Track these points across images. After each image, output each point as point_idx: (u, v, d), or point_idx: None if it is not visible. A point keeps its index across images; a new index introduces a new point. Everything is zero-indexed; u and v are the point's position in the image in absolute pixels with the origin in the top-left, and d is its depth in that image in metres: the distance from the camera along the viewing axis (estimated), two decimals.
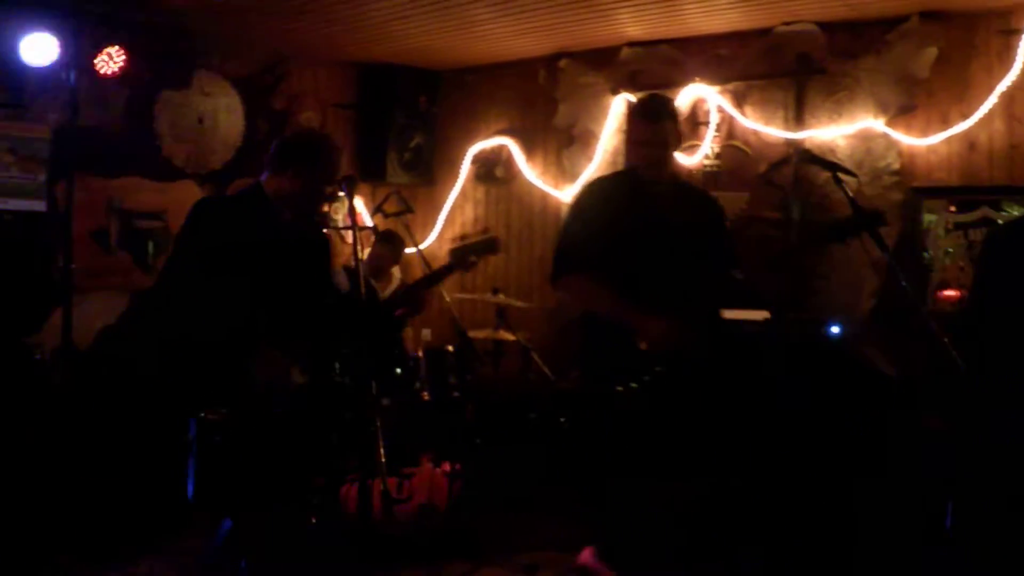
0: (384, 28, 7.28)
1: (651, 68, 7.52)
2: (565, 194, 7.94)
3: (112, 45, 6.42)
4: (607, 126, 7.72)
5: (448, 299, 6.88)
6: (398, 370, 6.33)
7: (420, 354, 6.53)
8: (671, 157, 4.58)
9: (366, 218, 8.46)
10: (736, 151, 7.11)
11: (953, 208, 6.27)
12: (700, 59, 7.31)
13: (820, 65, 6.74)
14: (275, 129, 7.98)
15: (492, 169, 8.60)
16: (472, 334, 6.63)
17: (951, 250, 6.25)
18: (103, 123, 7.09)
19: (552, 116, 8.16)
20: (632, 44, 7.57)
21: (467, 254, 4.99)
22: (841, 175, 4.18)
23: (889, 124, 6.48)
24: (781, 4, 6.42)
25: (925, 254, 6.33)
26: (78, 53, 6.31)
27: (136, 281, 7.25)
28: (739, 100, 7.11)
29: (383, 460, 4.04)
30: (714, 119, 7.19)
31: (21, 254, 6.66)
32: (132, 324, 7.06)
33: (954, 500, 4.54)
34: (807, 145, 6.72)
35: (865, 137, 6.58)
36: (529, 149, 8.37)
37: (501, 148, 8.54)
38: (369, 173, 8.51)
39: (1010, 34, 6.08)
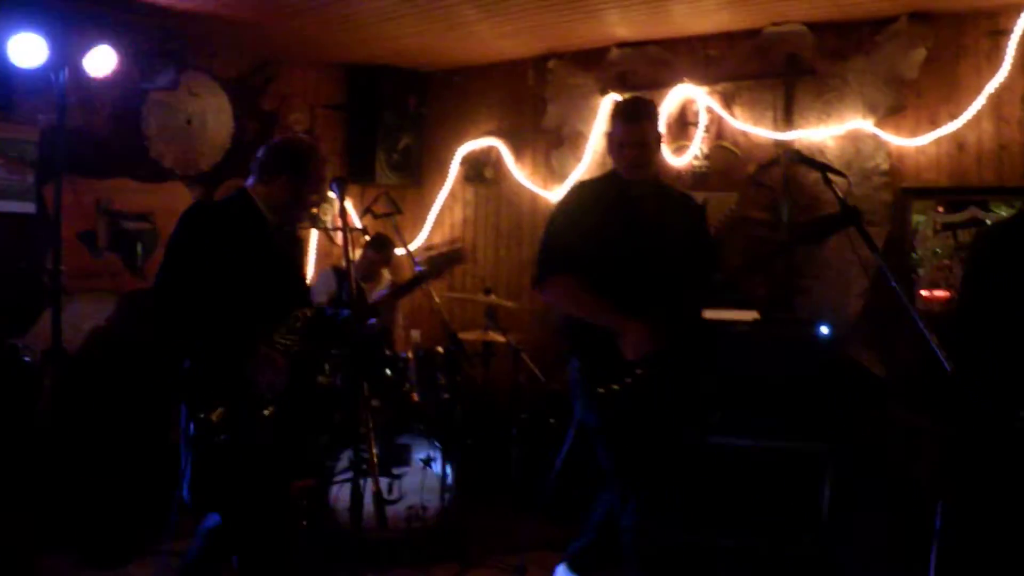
0: (373, 29, 7.27)
1: (640, 69, 7.52)
2: (554, 195, 7.94)
3: (100, 46, 6.41)
4: (596, 127, 7.71)
5: (438, 300, 6.87)
6: (388, 371, 6.33)
7: (410, 355, 6.54)
8: (653, 159, 4.60)
9: (355, 219, 8.47)
10: (725, 152, 7.12)
11: (941, 208, 6.29)
12: (689, 60, 7.31)
13: (809, 66, 6.75)
14: (264, 130, 7.98)
15: (481, 170, 8.60)
16: (462, 335, 6.63)
17: (939, 251, 6.27)
18: (91, 124, 7.07)
19: (541, 117, 8.17)
20: (621, 45, 7.58)
21: (439, 264, 5.04)
22: (831, 176, 4.18)
23: (878, 125, 6.50)
24: (770, 5, 6.43)
25: (913, 254, 6.35)
26: (66, 54, 6.28)
27: (125, 283, 7.23)
28: (728, 101, 7.12)
29: (375, 461, 4.04)
30: (703, 120, 7.20)
31: (9, 256, 6.64)
32: (127, 328, 7.06)
33: (944, 500, 4.55)
34: (796, 146, 6.73)
35: (854, 138, 6.59)
36: (518, 150, 8.37)
37: (490, 149, 8.54)
38: (358, 174, 8.50)
39: (998, 35, 6.10)
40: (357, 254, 7.54)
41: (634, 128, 4.51)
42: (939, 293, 5.91)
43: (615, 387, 4.32)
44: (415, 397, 6.41)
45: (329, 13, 6.82)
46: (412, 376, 6.46)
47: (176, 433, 4.23)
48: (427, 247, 8.70)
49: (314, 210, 7.71)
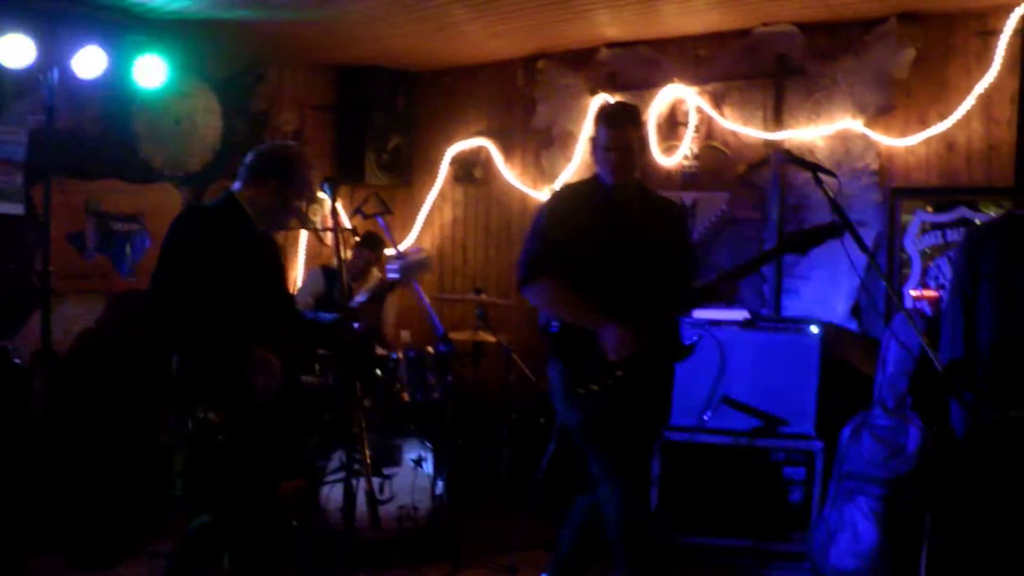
0: (362, 29, 7.27)
1: (630, 69, 7.52)
2: (544, 195, 7.93)
3: (89, 47, 6.40)
4: (586, 127, 7.69)
5: (428, 300, 6.86)
6: (378, 371, 6.33)
7: (400, 355, 6.53)
8: (637, 163, 4.61)
9: (344, 219, 8.45)
10: (715, 152, 7.13)
11: (930, 208, 6.30)
12: (679, 60, 7.32)
13: (799, 66, 6.76)
14: (254, 131, 7.95)
15: (471, 170, 8.59)
16: (452, 336, 6.63)
17: (928, 250, 6.29)
18: (80, 125, 7.05)
19: (530, 117, 8.16)
20: (610, 45, 7.58)
21: (407, 272, 5.06)
22: (821, 175, 4.19)
23: (868, 125, 6.51)
24: (760, 5, 6.44)
25: (903, 254, 6.37)
26: (55, 55, 6.27)
27: (114, 284, 7.22)
28: (718, 101, 7.13)
29: (368, 461, 4.04)
30: (693, 120, 7.20)
31: None
32: (116, 329, 7.05)
33: (934, 500, 4.58)
34: (786, 146, 6.74)
35: (844, 138, 6.60)
36: (507, 150, 8.37)
37: (479, 149, 8.53)
38: (348, 174, 8.48)
39: (988, 35, 6.11)
40: (349, 255, 7.53)
41: (618, 133, 4.52)
42: (928, 293, 5.92)
43: (595, 388, 4.35)
44: (405, 397, 6.41)
45: (318, 14, 6.81)
46: (403, 376, 6.46)
47: (166, 434, 4.23)
48: (397, 255, 8.70)
49: (303, 209, 7.72)
